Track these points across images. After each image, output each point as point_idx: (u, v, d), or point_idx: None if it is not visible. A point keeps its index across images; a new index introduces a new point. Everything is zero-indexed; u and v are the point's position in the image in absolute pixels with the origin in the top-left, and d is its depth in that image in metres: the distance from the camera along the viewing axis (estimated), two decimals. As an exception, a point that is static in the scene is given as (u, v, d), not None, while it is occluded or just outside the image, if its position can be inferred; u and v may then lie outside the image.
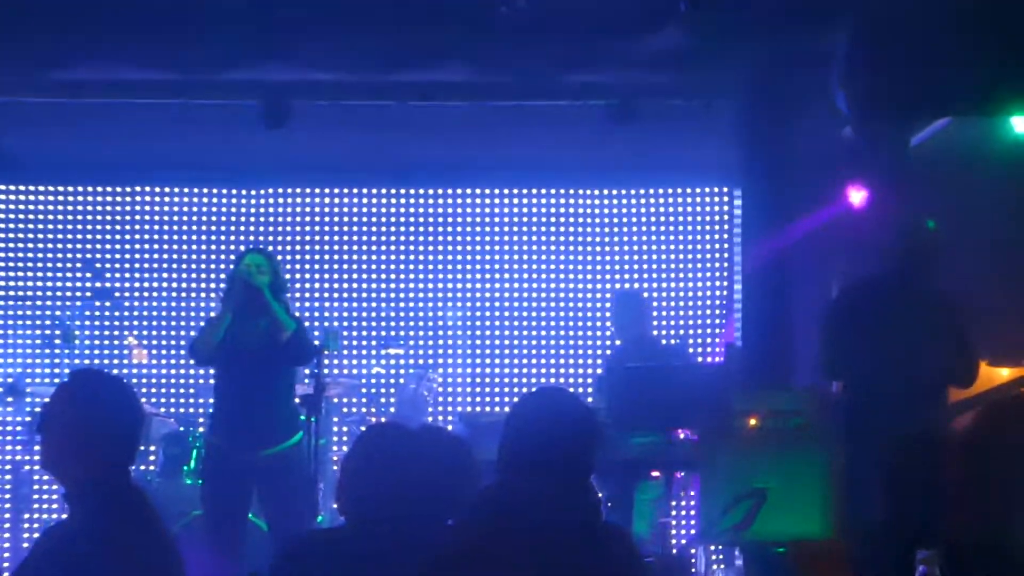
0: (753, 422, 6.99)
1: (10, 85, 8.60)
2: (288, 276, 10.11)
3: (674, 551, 8.90)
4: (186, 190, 10.30)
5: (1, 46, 8.16)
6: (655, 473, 7.68)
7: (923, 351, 6.58)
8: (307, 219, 10.39)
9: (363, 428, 7.22)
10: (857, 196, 8.39)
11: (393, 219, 10.43)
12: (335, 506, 4.21)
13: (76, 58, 8.32)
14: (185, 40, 8.19)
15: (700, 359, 10.17)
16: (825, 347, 6.90)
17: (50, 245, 10.23)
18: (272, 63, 8.43)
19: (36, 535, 9.34)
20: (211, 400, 7.53)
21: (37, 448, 5.49)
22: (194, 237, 10.28)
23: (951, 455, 3.80)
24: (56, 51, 8.26)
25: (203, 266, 10.27)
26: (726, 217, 10.35)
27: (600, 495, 7.14)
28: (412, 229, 10.42)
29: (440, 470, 4.10)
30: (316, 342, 7.36)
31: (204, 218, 10.31)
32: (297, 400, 7.25)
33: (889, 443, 6.08)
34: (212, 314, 7.41)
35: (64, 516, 3.92)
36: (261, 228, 10.33)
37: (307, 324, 10.02)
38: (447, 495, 3.98)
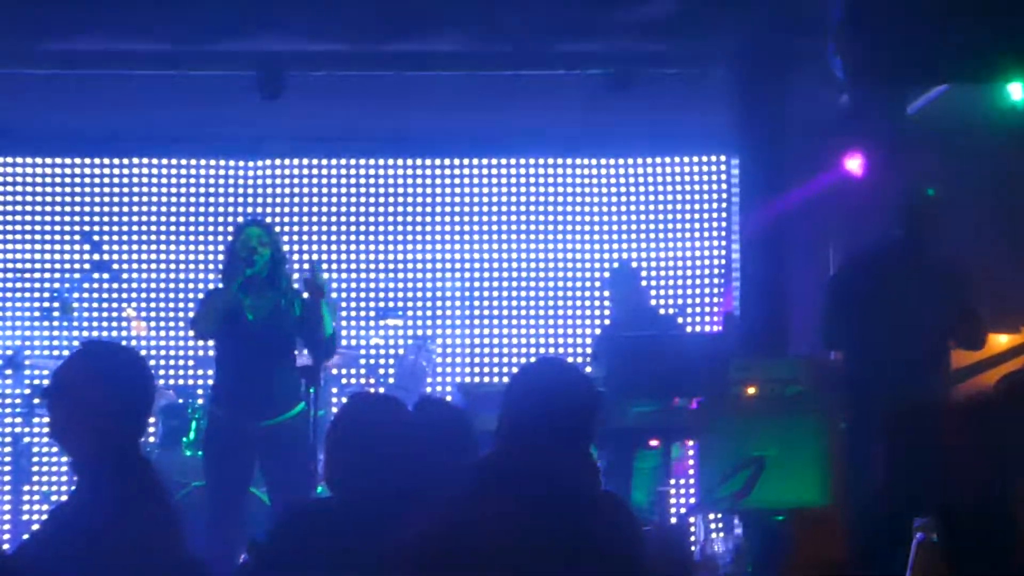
0: (751, 390, 7.00)
1: (4, 56, 8.57)
2: (286, 247, 10.19)
3: (673, 520, 8.93)
4: (183, 161, 10.28)
5: (3, 17, 8.13)
6: (653, 442, 7.69)
7: (924, 319, 6.60)
8: (304, 190, 10.37)
9: (344, 399, 7.26)
10: (854, 163, 8.38)
11: (391, 189, 10.41)
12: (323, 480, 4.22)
13: (71, 29, 8.31)
14: (180, 10, 8.16)
15: (698, 328, 10.17)
16: (826, 317, 6.91)
17: (48, 218, 10.21)
18: (268, 33, 8.42)
19: (36, 507, 9.39)
20: (211, 372, 7.53)
21: (44, 419, 5.50)
22: (191, 209, 10.27)
23: (962, 422, 3.80)
24: (51, 22, 8.24)
25: (201, 237, 10.26)
26: (724, 186, 10.34)
27: (598, 464, 7.17)
28: (410, 199, 10.41)
29: (438, 440, 4.11)
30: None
31: (201, 189, 10.29)
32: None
33: (889, 410, 6.09)
34: (211, 287, 7.39)
35: (72, 488, 3.93)
36: (259, 199, 10.32)
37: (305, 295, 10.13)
38: (445, 465, 3.99)
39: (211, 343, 7.47)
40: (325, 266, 10.21)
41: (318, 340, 7.09)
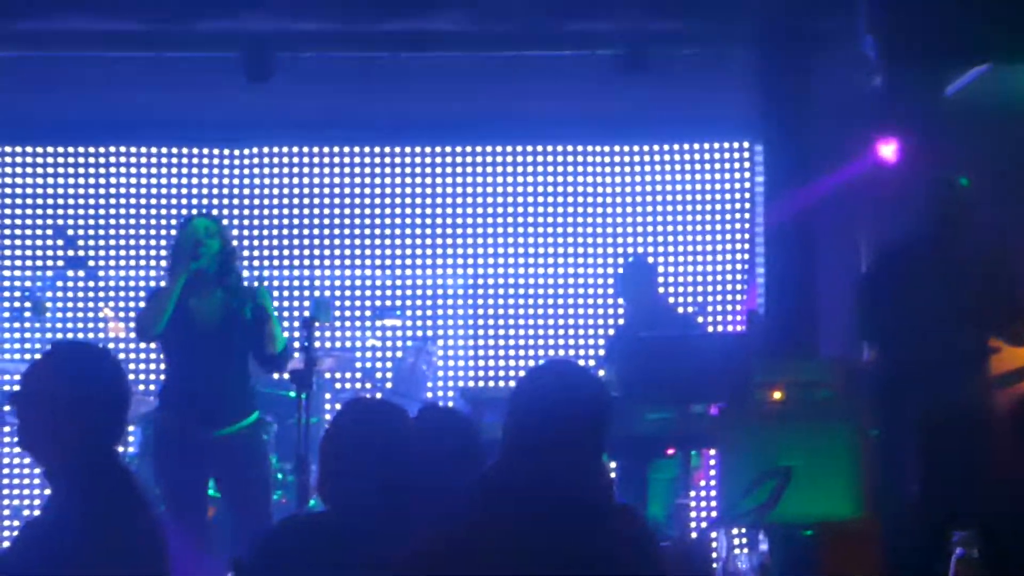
0: (777, 395, 7.01)
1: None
2: (276, 242, 10.21)
3: (693, 535, 8.93)
4: (164, 150, 10.31)
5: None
6: (670, 451, 7.69)
7: (961, 316, 6.59)
8: (294, 180, 10.40)
9: (338, 405, 7.25)
10: (887, 150, 8.37)
11: (387, 179, 10.44)
12: (316, 492, 4.23)
13: (44, 7, 8.32)
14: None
15: (720, 327, 10.18)
16: (860, 311, 6.92)
17: (18, 211, 10.23)
18: (253, 12, 8.42)
19: (6, 523, 9.40)
20: (161, 378, 7.51)
21: (9, 428, 5.52)
22: (173, 201, 10.29)
23: (1009, 428, 3.79)
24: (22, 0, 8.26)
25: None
26: (747, 174, 10.34)
27: (611, 475, 7.16)
28: (408, 190, 10.42)
29: (441, 450, 4.11)
30: (306, 313, 7.34)
31: (184, 180, 10.32)
32: (287, 376, 7.25)
33: (925, 416, 6.09)
34: (155, 284, 7.36)
35: (45, 500, 3.94)
36: (245, 190, 10.34)
37: (296, 294, 10.15)
38: (448, 476, 4.00)
39: (154, 345, 7.47)
40: (317, 261, 10.25)
41: (268, 355, 7.10)
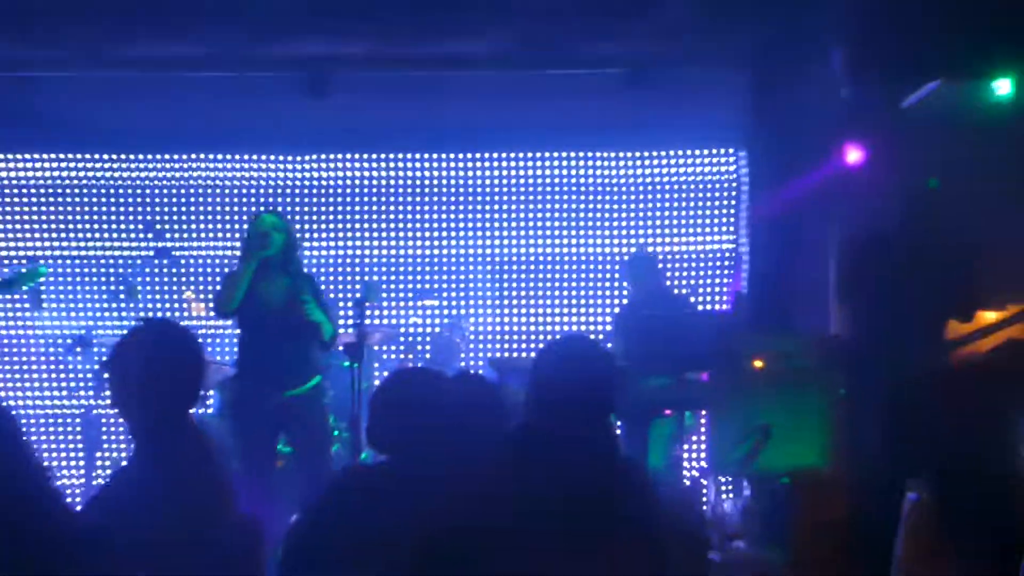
0: (759, 364, 7.00)
1: (78, 62, 8.64)
2: (331, 234, 10.23)
3: (686, 482, 8.95)
4: (237, 156, 10.32)
5: (66, 26, 8.18)
6: (668, 412, 7.71)
7: (925, 299, 6.57)
8: (348, 181, 10.39)
9: (386, 373, 7.28)
10: (853, 155, 8.35)
11: (427, 181, 10.42)
12: (367, 446, 4.24)
13: (132, 36, 8.34)
14: (232, 18, 8.18)
15: (710, 307, 10.17)
16: (840, 298, 6.92)
17: (114, 208, 10.26)
18: (312, 37, 8.43)
19: (107, 473, 9.45)
20: (235, 351, 7.53)
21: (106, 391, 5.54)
22: (244, 199, 10.31)
23: (963, 387, 3.79)
24: (114, 30, 8.28)
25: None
26: (733, 176, 10.32)
27: (618, 432, 7.18)
28: (444, 190, 10.41)
29: (474, 409, 4.14)
30: (358, 295, 7.35)
31: (254, 181, 10.32)
32: (342, 348, 7.28)
33: (887, 376, 6.09)
34: (227, 271, 7.39)
35: (131, 451, 3.95)
36: (306, 189, 10.34)
37: (349, 278, 10.17)
38: (480, 431, 4.02)
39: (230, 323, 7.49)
40: (368, 252, 10.26)
41: (320, 335, 7.15)
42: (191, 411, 3.96)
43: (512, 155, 10.42)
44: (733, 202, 10.30)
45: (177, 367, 3.88)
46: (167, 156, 10.27)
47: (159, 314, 9.87)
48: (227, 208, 10.29)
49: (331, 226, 10.32)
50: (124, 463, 3.93)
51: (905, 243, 6.71)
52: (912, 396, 5.69)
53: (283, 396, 7.02)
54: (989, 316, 7.65)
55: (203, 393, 5.92)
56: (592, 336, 9.49)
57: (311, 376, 7.15)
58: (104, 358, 8.07)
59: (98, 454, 9.47)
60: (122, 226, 10.23)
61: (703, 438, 9.50)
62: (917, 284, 6.58)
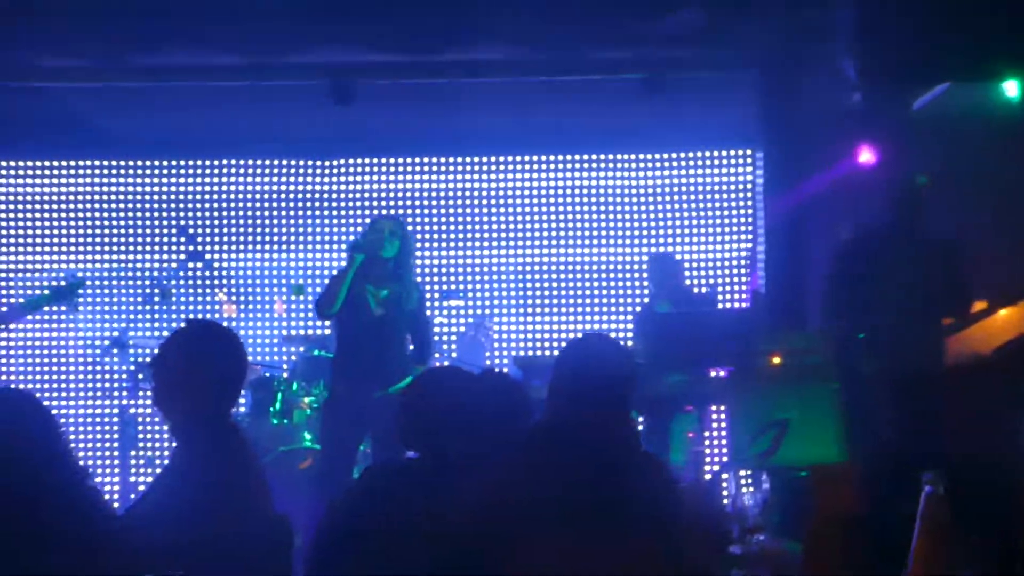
0: (776, 360, 7.02)
1: (108, 72, 8.71)
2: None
3: (707, 477, 8.98)
4: (266, 161, 10.41)
5: (95, 37, 8.26)
6: (688, 408, 7.75)
7: (915, 291, 6.62)
8: (372, 185, 10.46)
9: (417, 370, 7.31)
10: (865, 156, 8.39)
11: (448, 184, 10.49)
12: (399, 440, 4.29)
13: (160, 45, 8.41)
14: (257, 27, 8.24)
15: (728, 305, 10.21)
16: (829, 292, 6.96)
17: (147, 214, 10.36)
18: (335, 46, 8.48)
19: (142, 470, 9.57)
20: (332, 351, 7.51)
21: (148, 391, 5.58)
22: (273, 204, 10.40)
23: (969, 383, 3.83)
24: (143, 40, 8.35)
25: (280, 230, 10.38)
26: (749, 177, 10.36)
27: (639, 428, 7.24)
28: (465, 192, 10.49)
29: (499, 405, 4.18)
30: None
31: (282, 186, 10.40)
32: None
33: (885, 370, 6.13)
34: (335, 272, 7.34)
35: (172, 449, 3.98)
36: (333, 193, 10.42)
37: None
38: (505, 426, 4.05)
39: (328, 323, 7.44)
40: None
41: (423, 340, 7.18)
42: (231, 410, 4.00)
43: (532, 158, 10.47)
44: (750, 203, 10.34)
45: (219, 367, 3.90)
46: (197, 162, 10.36)
47: (193, 316, 9.95)
48: (256, 212, 10.37)
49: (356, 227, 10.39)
50: (166, 462, 3.99)
51: (898, 239, 6.76)
52: (924, 389, 5.73)
53: (374, 396, 7.01)
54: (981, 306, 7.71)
55: (243, 393, 5.94)
56: (612, 335, 9.54)
57: (403, 377, 7.15)
58: (145, 359, 8.17)
59: (133, 453, 9.57)
60: (156, 231, 10.33)
61: (723, 433, 9.55)
62: (910, 279, 6.63)
